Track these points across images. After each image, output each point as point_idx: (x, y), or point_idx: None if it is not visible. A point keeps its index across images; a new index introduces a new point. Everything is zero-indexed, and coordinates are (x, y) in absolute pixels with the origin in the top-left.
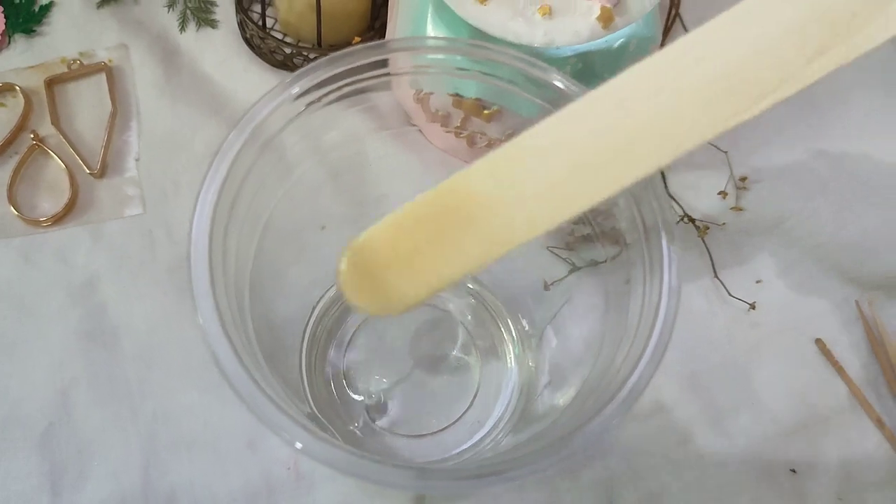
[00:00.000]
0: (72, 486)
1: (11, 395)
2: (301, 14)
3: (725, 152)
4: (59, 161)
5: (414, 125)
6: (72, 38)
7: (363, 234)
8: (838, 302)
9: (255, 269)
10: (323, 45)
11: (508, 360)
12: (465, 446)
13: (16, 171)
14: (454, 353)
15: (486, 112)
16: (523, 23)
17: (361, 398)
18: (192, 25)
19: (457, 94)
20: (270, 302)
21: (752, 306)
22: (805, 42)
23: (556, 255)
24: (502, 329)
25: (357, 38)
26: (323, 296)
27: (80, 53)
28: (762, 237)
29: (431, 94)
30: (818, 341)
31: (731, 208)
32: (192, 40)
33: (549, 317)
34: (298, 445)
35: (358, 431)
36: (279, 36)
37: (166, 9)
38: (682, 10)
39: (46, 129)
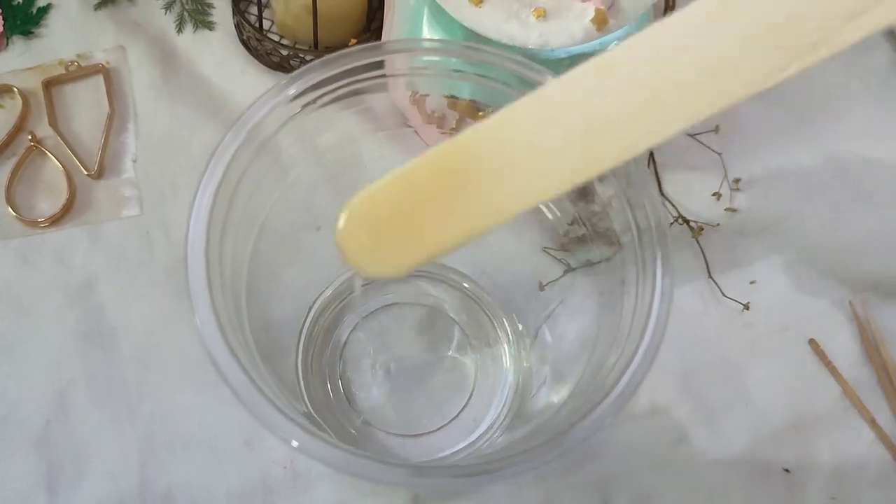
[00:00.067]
0: (69, 485)
1: (9, 396)
2: (297, 16)
3: (719, 154)
4: (57, 162)
5: (409, 127)
6: (69, 39)
7: (363, 191)
8: (832, 303)
9: (252, 270)
10: (319, 47)
11: (504, 360)
12: (460, 445)
13: (14, 173)
14: (450, 353)
15: (481, 114)
16: (518, 25)
17: (358, 398)
18: (189, 27)
19: (452, 96)
20: (267, 302)
21: (746, 307)
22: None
23: (552, 255)
24: (497, 329)
25: (353, 41)
26: (319, 296)
27: (78, 55)
28: (756, 238)
29: (427, 95)
30: (811, 342)
31: (726, 209)
32: (190, 42)
33: (544, 317)
34: (295, 444)
35: (354, 431)
36: (276, 38)
37: (163, 11)
38: None
39: (44, 130)
